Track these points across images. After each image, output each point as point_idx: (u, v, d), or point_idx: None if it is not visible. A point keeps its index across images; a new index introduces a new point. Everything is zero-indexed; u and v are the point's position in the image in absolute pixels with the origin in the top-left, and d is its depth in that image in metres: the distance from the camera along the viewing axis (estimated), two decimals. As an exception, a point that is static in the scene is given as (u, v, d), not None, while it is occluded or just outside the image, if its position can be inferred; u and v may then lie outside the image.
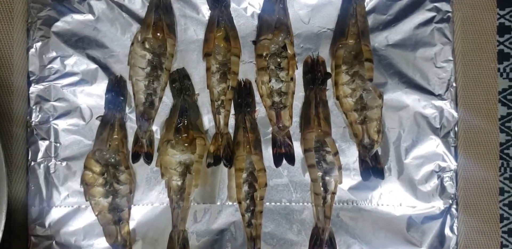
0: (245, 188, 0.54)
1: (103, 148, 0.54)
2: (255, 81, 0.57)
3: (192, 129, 0.54)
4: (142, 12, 0.57)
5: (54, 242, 0.54)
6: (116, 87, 0.56)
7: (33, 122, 0.55)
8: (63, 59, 0.56)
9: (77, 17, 0.56)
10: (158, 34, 0.55)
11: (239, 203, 0.54)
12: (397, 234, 0.55)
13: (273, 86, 0.56)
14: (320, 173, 0.54)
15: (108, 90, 0.56)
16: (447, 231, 0.55)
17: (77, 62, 0.56)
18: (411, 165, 0.56)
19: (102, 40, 0.56)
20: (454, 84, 0.56)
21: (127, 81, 0.56)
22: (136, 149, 0.55)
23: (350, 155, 0.56)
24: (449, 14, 0.57)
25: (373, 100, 0.54)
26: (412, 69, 0.57)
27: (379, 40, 0.57)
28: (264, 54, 0.55)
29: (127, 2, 0.57)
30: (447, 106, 0.56)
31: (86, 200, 0.54)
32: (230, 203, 0.55)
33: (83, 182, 0.54)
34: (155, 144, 0.56)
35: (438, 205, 0.55)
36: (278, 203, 0.56)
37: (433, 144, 0.56)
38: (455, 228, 0.55)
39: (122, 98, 0.55)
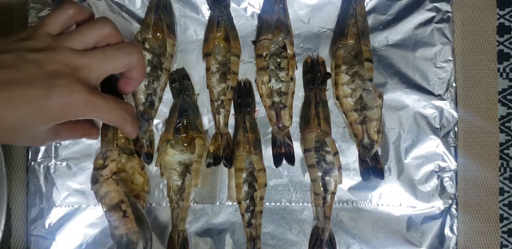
0: (245, 188, 0.54)
1: (110, 149, 0.54)
2: (255, 81, 0.57)
3: (192, 129, 0.55)
4: (142, 12, 0.57)
5: (54, 242, 0.54)
6: (111, 86, 0.55)
7: (33, 122, 0.55)
8: (63, 59, 0.56)
9: (77, 17, 0.56)
10: (158, 34, 0.55)
11: (239, 203, 0.54)
12: (397, 234, 0.55)
13: (273, 86, 0.56)
14: (320, 173, 0.54)
15: (103, 91, 0.55)
16: (447, 231, 0.55)
17: (77, 62, 0.56)
18: (411, 165, 0.56)
19: (102, 40, 0.56)
20: (454, 84, 0.56)
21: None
22: (136, 149, 0.55)
23: (350, 155, 0.56)
24: (449, 14, 0.57)
25: (373, 100, 0.54)
26: (412, 69, 0.57)
27: (379, 40, 0.57)
28: (264, 54, 0.55)
29: (127, 2, 0.57)
30: (447, 106, 0.56)
31: (98, 201, 0.54)
32: (230, 203, 0.55)
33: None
34: (155, 144, 0.56)
35: (438, 205, 0.55)
36: (278, 203, 0.56)
37: (433, 144, 0.56)
38: (455, 228, 0.55)
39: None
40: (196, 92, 0.57)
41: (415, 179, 0.56)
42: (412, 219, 0.55)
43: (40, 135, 0.41)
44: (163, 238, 0.55)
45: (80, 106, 0.40)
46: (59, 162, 0.55)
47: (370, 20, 0.57)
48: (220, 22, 0.56)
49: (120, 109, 0.44)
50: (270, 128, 0.56)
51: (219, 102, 0.55)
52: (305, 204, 0.56)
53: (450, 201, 0.55)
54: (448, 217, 0.55)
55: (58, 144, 0.55)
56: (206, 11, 0.57)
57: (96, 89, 0.42)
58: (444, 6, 0.57)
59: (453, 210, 0.55)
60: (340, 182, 0.54)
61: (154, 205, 0.55)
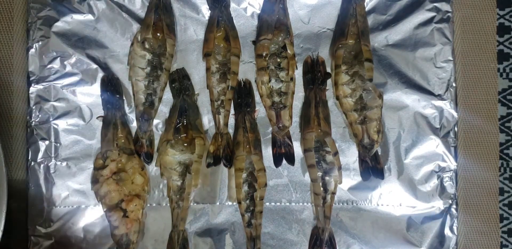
0: (245, 188, 0.54)
1: (110, 149, 0.54)
2: (255, 81, 0.57)
3: (192, 129, 0.55)
4: (142, 12, 0.57)
5: (54, 242, 0.54)
6: (110, 86, 0.56)
7: (33, 122, 0.55)
8: (63, 59, 0.56)
9: (77, 17, 0.56)
10: (158, 34, 0.55)
11: (239, 203, 0.54)
12: (397, 234, 0.55)
13: (273, 86, 0.56)
14: (320, 173, 0.54)
15: (103, 91, 0.56)
16: (447, 231, 0.55)
17: (77, 62, 0.56)
18: (411, 165, 0.56)
19: (102, 40, 0.56)
20: (454, 84, 0.56)
21: (127, 82, 0.56)
22: (136, 149, 0.55)
23: (350, 155, 0.56)
24: (449, 14, 0.57)
25: (373, 100, 0.54)
26: (412, 69, 0.57)
27: (379, 40, 0.57)
28: (264, 54, 0.55)
29: (127, 2, 0.57)
30: (447, 106, 0.56)
31: (98, 201, 0.54)
32: (230, 203, 0.55)
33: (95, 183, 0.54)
34: (155, 144, 0.56)
35: (438, 205, 0.55)
36: (278, 203, 0.56)
37: (433, 144, 0.56)
38: (455, 228, 0.55)
39: (118, 95, 0.56)
40: (196, 92, 0.57)
41: (415, 179, 0.56)
42: (412, 219, 0.55)
43: None
44: (163, 238, 0.55)
45: None
46: (59, 162, 0.55)
47: (370, 20, 0.57)
48: (220, 22, 0.56)
49: None
50: (270, 128, 0.56)
51: (219, 102, 0.55)
52: (305, 204, 0.56)
53: (450, 201, 0.55)
54: (448, 217, 0.55)
55: (58, 144, 0.55)
56: (206, 11, 0.57)
57: None
58: (444, 6, 0.57)
59: (453, 210, 0.55)
60: (340, 182, 0.54)
61: (154, 205, 0.55)
